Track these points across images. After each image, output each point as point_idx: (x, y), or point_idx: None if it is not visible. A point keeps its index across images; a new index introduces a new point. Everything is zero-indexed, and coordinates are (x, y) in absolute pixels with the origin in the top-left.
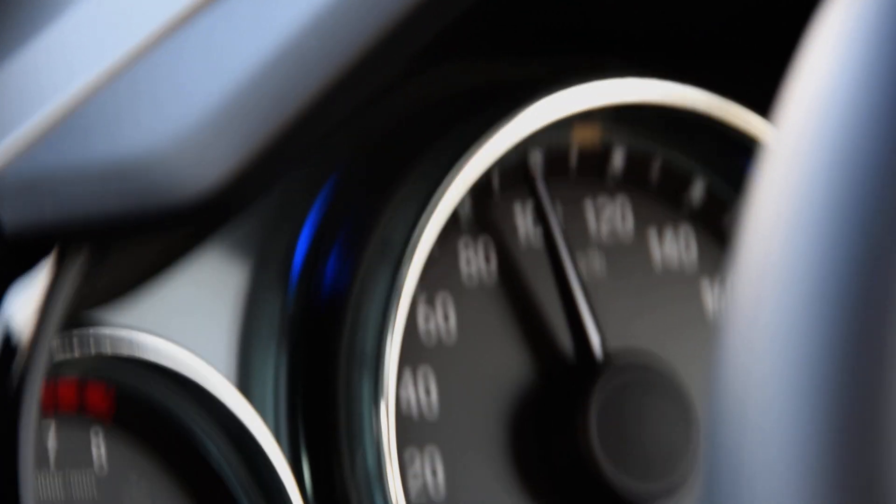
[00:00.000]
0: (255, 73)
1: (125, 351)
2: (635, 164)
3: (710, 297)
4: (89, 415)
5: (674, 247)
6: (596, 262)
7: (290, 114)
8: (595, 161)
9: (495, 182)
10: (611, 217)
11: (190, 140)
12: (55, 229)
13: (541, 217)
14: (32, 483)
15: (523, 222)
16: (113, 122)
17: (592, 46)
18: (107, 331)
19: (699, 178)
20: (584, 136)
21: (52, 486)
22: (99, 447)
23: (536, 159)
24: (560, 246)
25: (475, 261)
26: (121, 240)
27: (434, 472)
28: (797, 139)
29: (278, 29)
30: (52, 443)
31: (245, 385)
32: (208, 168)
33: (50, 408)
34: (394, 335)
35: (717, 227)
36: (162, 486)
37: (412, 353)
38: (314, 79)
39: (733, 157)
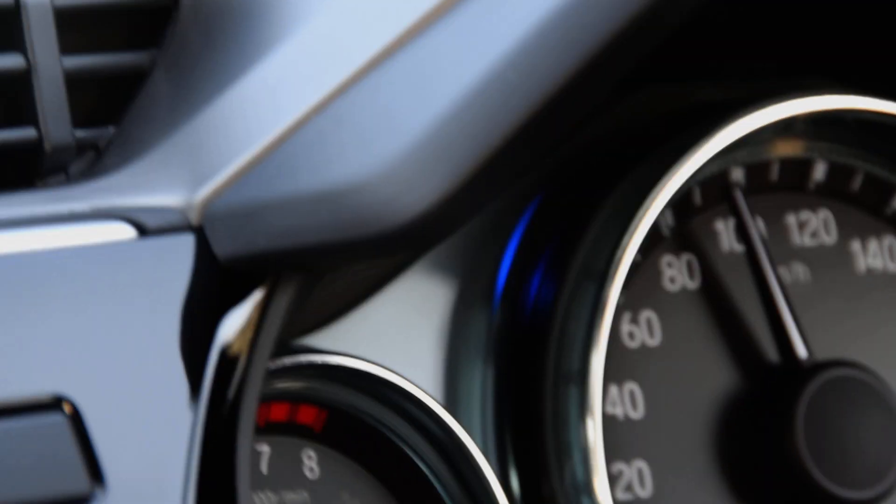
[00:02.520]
0: (462, 101)
1: (336, 374)
2: (837, 176)
3: None
4: (301, 434)
5: (878, 256)
6: (800, 273)
7: (497, 141)
8: (797, 174)
9: (697, 197)
10: (814, 229)
11: (398, 168)
12: (267, 258)
13: (742, 230)
14: (250, 497)
15: (726, 237)
16: (322, 152)
17: (792, 69)
18: (318, 357)
19: None
20: (785, 150)
21: (267, 501)
22: (312, 467)
23: (737, 174)
24: (762, 256)
25: (679, 276)
26: (331, 267)
27: (642, 484)
28: None
29: (483, 58)
30: (265, 460)
31: (452, 402)
32: (416, 195)
33: (263, 426)
34: (599, 351)
35: None
36: (375, 500)
37: (617, 368)
38: (519, 106)
39: None
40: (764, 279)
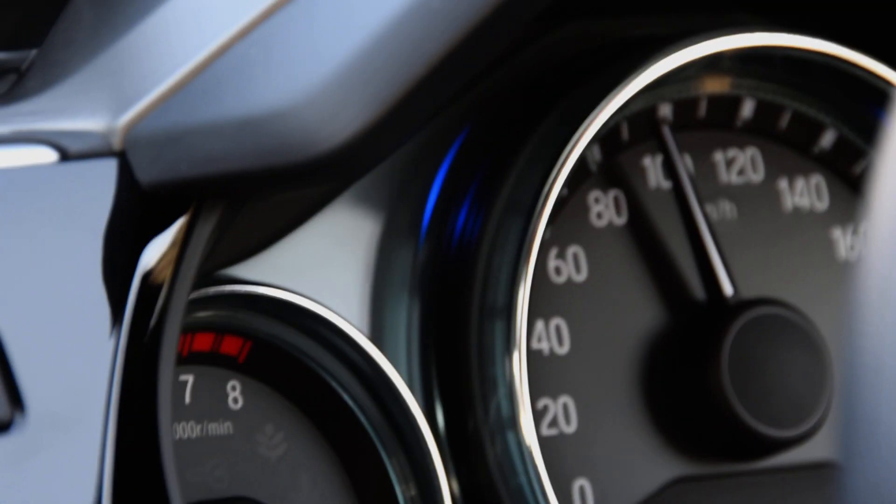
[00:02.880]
0: (387, 28)
1: (260, 305)
2: (765, 114)
3: (842, 244)
4: (225, 365)
5: (805, 194)
6: (727, 211)
7: (421, 69)
8: (725, 111)
9: (625, 134)
10: (741, 166)
11: (322, 95)
12: (190, 186)
13: (669, 166)
14: (171, 431)
15: (654, 173)
16: (245, 78)
17: (720, 4)
18: (242, 287)
19: (830, 126)
20: (714, 87)
21: (190, 430)
22: (236, 397)
23: (665, 110)
24: (689, 192)
25: (606, 213)
26: (255, 195)
27: (567, 419)
28: None
29: None
30: (189, 392)
31: (378, 335)
32: (341, 123)
33: (186, 356)
34: (525, 286)
35: (848, 174)
36: (298, 433)
37: (544, 303)
38: (443, 34)
39: (863, 105)
40: (691, 216)
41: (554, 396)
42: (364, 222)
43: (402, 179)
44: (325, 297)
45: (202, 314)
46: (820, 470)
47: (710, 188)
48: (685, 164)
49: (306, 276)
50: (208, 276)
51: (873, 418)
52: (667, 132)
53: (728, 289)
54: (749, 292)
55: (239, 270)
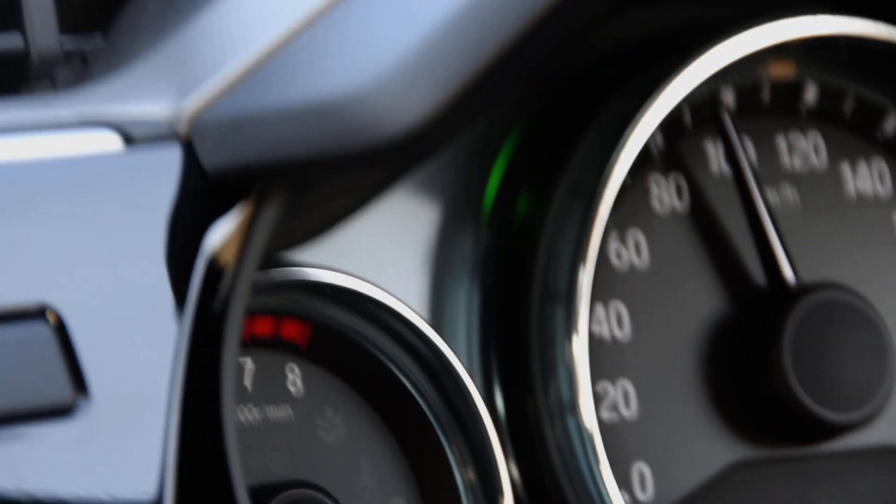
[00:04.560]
0: (453, 15)
1: (320, 290)
2: (828, 99)
3: None
4: (286, 350)
5: (867, 179)
6: (789, 195)
7: (488, 56)
8: (788, 97)
9: (687, 119)
10: (804, 151)
11: (387, 82)
12: (255, 170)
13: (729, 151)
14: (234, 410)
15: (715, 158)
16: (312, 65)
17: None
18: (304, 271)
19: (893, 111)
20: (777, 72)
21: (249, 415)
22: (295, 382)
23: (728, 96)
24: (749, 179)
25: (667, 197)
26: (319, 180)
27: (627, 404)
28: None
29: None
30: (249, 375)
31: (438, 320)
32: (405, 109)
33: (247, 341)
34: (586, 269)
35: None
36: (357, 417)
37: (604, 287)
38: (509, 22)
39: None
40: (751, 202)
41: (613, 381)
42: (425, 208)
43: (464, 165)
44: (385, 282)
45: (263, 298)
46: (881, 454)
47: (773, 174)
48: (747, 150)
49: (367, 261)
50: (270, 259)
51: None
52: (727, 118)
53: (789, 275)
54: (811, 277)
55: (300, 255)
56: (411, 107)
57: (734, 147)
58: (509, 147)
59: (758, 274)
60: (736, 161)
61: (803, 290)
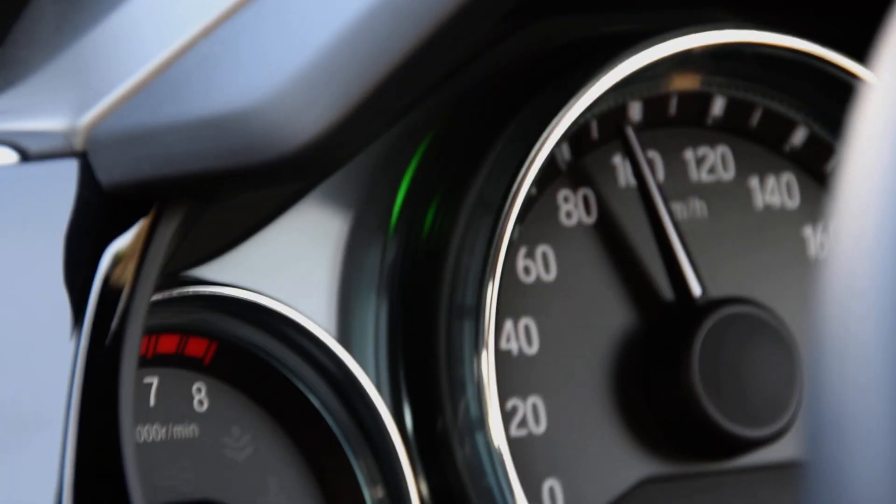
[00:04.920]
0: (350, 27)
1: (225, 306)
2: (736, 112)
3: (812, 242)
4: (191, 367)
5: (776, 193)
6: (697, 209)
7: (386, 68)
8: (695, 109)
9: (593, 132)
10: (712, 164)
11: (287, 94)
12: (152, 186)
13: (633, 164)
14: (133, 434)
15: (623, 172)
16: (209, 78)
17: (690, 1)
18: (207, 288)
19: (801, 124)
20: (683, 85)
21: (155, 433)
22: (201, 399)
23: (634, 109)
24: (654, 193)
25: (575, 211)
26: (218, 195)
27: (537, 420)
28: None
29: None
30: (153, 395)
31: (345, 335)
32: (301, 123)
33: (151, 358)
34: (494, 285)
35: (819, 172)
36: (265, 435)
37: (513, 302)
38: (410, 32)
39: (834, 102)
40: (657, 217)
41: (523, 397)
42: (331, 222)
43: (370, 178)
44: (291, 297)
45: (167, 316)
46: (791, 469)
47: (681, 186)
48: (652, 163)
49: (273, 276)
50: (173, 277)
51: (836, 418)
52: (630, 132)
53: (696, 289)
54: (720, 291)
55: (204, 271)
56: (307, 121)
57: (638, 161)
58: (417, 160)
59: (666, 288)
60: (641, 175)
61: (711, 304)
